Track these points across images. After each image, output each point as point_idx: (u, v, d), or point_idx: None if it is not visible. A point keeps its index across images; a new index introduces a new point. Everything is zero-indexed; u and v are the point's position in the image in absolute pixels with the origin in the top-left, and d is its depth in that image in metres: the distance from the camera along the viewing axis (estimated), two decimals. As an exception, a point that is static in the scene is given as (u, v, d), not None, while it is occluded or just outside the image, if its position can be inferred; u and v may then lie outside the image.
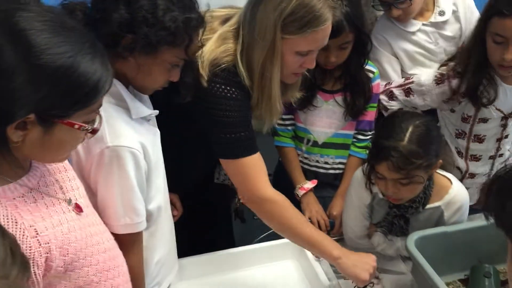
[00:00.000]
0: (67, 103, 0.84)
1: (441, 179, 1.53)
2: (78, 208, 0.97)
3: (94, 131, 0.91)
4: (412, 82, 1.74)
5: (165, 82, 1.18)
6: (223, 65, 1.31)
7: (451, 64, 1.65)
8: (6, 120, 0.80)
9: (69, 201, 0.96)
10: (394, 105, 1.78)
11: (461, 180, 1.76)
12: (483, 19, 1.49)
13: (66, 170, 1.01)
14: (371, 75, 1.77)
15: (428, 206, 1.51)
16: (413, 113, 1.51)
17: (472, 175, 1.76)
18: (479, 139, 1.70)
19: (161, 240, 1.30)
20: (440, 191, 1.51)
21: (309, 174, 1.83)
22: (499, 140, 1.71)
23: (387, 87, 1.80)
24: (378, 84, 1.79)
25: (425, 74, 1.73)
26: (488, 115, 1.64)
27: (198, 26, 1.13)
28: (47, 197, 0.92)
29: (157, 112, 1.25)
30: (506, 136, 1.70)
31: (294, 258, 1.58)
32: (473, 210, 1.63)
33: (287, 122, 1.82)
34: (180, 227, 1.45)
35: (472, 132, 1.69)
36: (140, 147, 1.12)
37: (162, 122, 1.28)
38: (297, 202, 1.79)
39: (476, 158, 1.76)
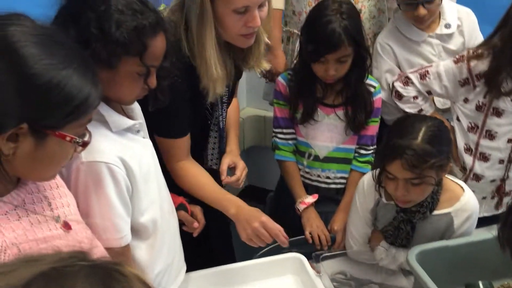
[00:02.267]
0: (59, 115, 0.84)
1: (452, 185, 1.53)
2: (66, 226, 0.97)
3: (84, 144, 0.92)
4: (429, 66, 1.75)
5: (143, 90, 1.17)
6: None
7: (472, 47, 1.65)
8: None
9: (57, 218, 0.96)
10: (410, 91, 1.79)
11: (464, 181, 1.74)
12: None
13: (58, 186, 1.01)
14: (372, 89, 1.77)
15: (437, 212, 1.50)
16: (425, 116, 1.58)
17: (477, 177, 1.75)
18: (491, 136, 1.69)
19: (161, 252, 1.30)
20: (451, 197, 1.51)
21: (310, 189, 1.82)
22: (511, 141, 1.69)
23: (402, 74, 1.82)
24: (380, 99, 1.78)
25: (445, 62, 1.74)
26: (503, 106, 1.63)
27: (155, 30, 1.11)
28: (32, 214, 0.92)
29: (140, 121, 1.25)
30: None
31: (295, 274, 1.56)
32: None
33: (288, 136, 1.82)
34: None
35: (485, 126, 1.68)
36: (119, 162, 1.11)
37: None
38: (298, 217, 1.78)
39: (484, 158, 1.75)
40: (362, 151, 1.81)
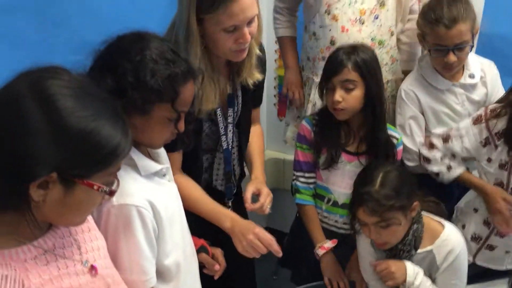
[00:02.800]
0: (88, 164, 0.88)
1: (432, 223, 1.61)
2: (94, 270, 0.99)
3: (111, 193, 0.95)
4: (450, 129, 1.78)
5: (172, 135, 1.23)
6: None
7: (490, 106, 1.67)
8: (30, 178, 0.84)
9: (85, 262, 0.99)
10: (436, 154, 1.81)
11: (488, 236, 1.72)
12: None
13: (89, 230, 1.04)
14: (395, 141, 1.78)
15: (420, 250, 1.57)
16: (385, 162, 1.64)
17: (502, 233, 1.73)
18: None
19: None
20: (432, 235, 1.58)
21: (328, 234, 1.83)
22: None
23: (427, 139, 1.85)
24: (401, 151, 1.81)
25: (464, 123, 1.76)
26: None
27: (186, 78, 1.17)
28: (61, 259, 0.94)
29: (167, 165, 1.29)
30: None
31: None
32: (495, 273, 1.60)
33: (310, 180, 1.83)
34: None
35: (510, 183, 1.68)
36: (147, 205, 1.15)
37: None
38: (316, 261, 1.78)
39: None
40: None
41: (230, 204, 1.71)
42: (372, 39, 1.95)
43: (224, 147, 1.66)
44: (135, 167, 1.19)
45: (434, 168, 1.82)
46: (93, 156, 0.88)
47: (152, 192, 1.19)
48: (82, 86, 0.91)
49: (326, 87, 1.69)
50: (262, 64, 1.63)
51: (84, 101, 0.89)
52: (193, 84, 1.21)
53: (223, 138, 1.64)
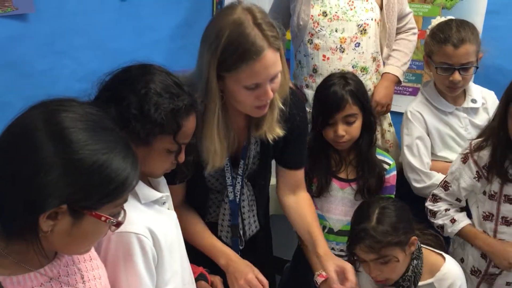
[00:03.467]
0: (97, 196, 0.91)
1: (433, 256, 1.61)
2: None
3: (118, 224, 0.97)
4: (446, 176, 1.79)
5: (172, 165, 1.25)
6: None
7: (474, 141, 1.71)
8: (40, 209, 0.86)
9: None
10: (440, 205, 1.81)
11: (486, 269, 1.73)
12: (504, 101, 1.56)
13: (91, 259, 1.07)
14: (386, 166, 1.83)
15: (421, 283, 1.56)
16: (380, 198, 1.65)
17: None
18: (507, 222, 1.69)
19: None
20: (432, 268, 1.58)
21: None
22: None
23: (431, 194, 1.85)
24: (394, 176, 1.84)
25: (455, 165, 1.77)
26: None
27: (188, 112, 1.20)
28: (65, 286, 0.97)
29: (167, 193, 1.31)
30: None
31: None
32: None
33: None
34: None
35: (500, 213, 1.69)
36: (147, 233, 1.17)
37: None
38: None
39: None
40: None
41: None
42: (353, 66, 2.03)
43: (230, 199, 1.60)
44: (135, 195, 1.21)
45: (439, 221, 1.81)
46: (102, 189, 0.90)
47: (152, 220, 1.21)
48: (95, 119, 0.94)
49: (327, 122, 1.72)
50: (285, 120, 1.50)
51: (96, 134, 0.91)
52: (195, 117, 1.24)
53: (230, 189, 1.59)
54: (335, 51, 2.00)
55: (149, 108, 1.14)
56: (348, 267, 1.50)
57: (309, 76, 2.07)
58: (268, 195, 1.79)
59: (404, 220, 1.54)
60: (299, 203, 1.67)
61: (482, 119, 1.93)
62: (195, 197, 1.60)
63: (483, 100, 1.95)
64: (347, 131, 1.71)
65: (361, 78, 1.93)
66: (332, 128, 1.72)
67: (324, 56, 2.01)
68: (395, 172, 1.85)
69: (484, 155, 1.65)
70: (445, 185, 1.77)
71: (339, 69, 1.98)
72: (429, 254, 1.60)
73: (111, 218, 0.94)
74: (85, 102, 1.00)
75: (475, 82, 2.06)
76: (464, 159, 1.71)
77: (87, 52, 1.79)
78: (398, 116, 2.14)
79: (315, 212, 1.68)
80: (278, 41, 1.32)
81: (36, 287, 0.91)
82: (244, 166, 1.58)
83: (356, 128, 1.73)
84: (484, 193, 1.71)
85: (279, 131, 1.49)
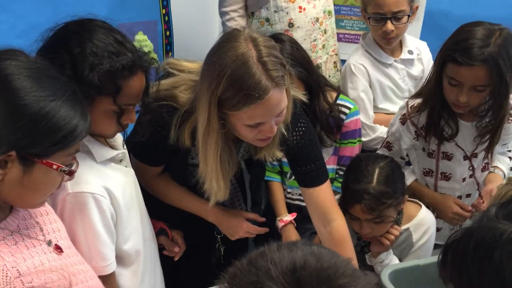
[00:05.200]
0: (47, 143, 0.88)
1: (409, 204, 1.62)
2: (58, 249, 1.00)
3: (70, 173, 0.95)
4: (387, 137, 1.80)
5: (123, 126, 1.18)
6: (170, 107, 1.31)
7: (410, 102, 1.71)
8: None
9: (49, 242, 0.99)
10: None
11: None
12: (440, 62, 1.55)
13: (47, 213, 1.04)
14: (347, 110, 1.83)
15: None
16: (376, 155, 1.63)
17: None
18: (446, 177, 1.74)
19: (144, 278, 1.32)
20: (409, 214, 1.61)
21: (292, 208, 1.86)
22: (464, 180, 1.74)
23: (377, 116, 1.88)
24: (357, 120, 1.85)
25: (395, 125, 1.77)
26: (450, 150, 1.69)
27: (131, 71, 1.11)
28: (27, 239, 0.95)
29: (123, 150, 1.27)
30: (471, 176, 1.74)
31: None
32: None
33: (271, 159, 1.86)
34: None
35: (439, 170, 1.74)
36: (104, 191, 1.14)
37: None
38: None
39: None
40: (342, 172, 1.86)
41: (219, 238, 1.62)
42: (323, 12, 2.01)
43: None
44: (90, 154, 1.17)
45: None
46: (51, 136, 0.88)
47: (108, 179, 1.17)
48: (41, 68, 0.91)
49: None
50: (285, 143, 1.42)
51: (42, 82, 0.88)
52: (142, 76, 1.15)
53: None
54: (310, 0, 1.98)
55: (83, 69, 1.06)
56: None
57: (284, 31, 2.00)
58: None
59: (401, 180, 1.55)
60: (330, 243, 1.46)
61: (418, 70, 1.97)
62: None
63: (418, 51, 1.98)
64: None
65: (328, 22, 1.98)
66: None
67: (300, 7, 1.96)
68: (357, 116, 1.85)
69: (422, 116, 1.66)
70: (387, 146, 1.79)
71: (314, 17, 1.96)
72: (407, 202, 1.62)
73: (63, 166, 0.92)
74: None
75: (423, 29, 2.10)
76: (403, 120, 1.72)
77: (25, 5, 1.68)
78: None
79: (351, 248, 1.49)
80: (284, 80, 1.22)
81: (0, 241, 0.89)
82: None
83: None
84: (424, 149, 1.73)
85: (279, 154, 1.42)
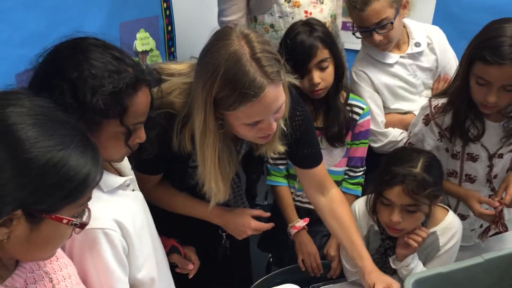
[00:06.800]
0: (56, 198, 0.81)
1: (436, 208, 1.59)
2: None
3: (82, 226, 0.88)
4: (409, 138, 1.75)
5: (133, 146, 1.12)
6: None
7: (433, 101, 1.66)
8: None
9: None
10: None
11: None
12: (467, 60, 1.49)
13: (57, 258, 0.98)
14: (360, 111, 1.79)
15: None
16: (420, 149, 1.62)
17: (462, 216, 1.75)
18: (470, 179, 1.70)
19: None
20: (436, 218, 1.57)
21: (302, 212, 1.83)
22: (489, 181, 1.70)
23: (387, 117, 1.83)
24: (369, 121, 1.80)
25: (417, 126, 1.73)
26: (476, 151, 1.64)
27: (134, 88, 1.05)
28: None
29: (131, 177, 1.21)
30: (495, 177, 1.69)
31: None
32: (466, 249, 1.66)
33: (278, 162, 1.82)
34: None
35: (463, 171, 1.69)
36: (114, 225, 1.09)
37: None
38: (291, 241, 1.78)
39: None
40: (351, 173, 1.83)
41: (224, 236, 1.61)
42: (330, 16, 1.97)
43: None
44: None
45: None
46: (60, 189, 0.81)
47: (117, 209, 1.12)
48: (45, 112, 0.84)
49: (299, 73, 1.62)
50: (286, 135, 1.40)
51: (48, 130, 0.82)
52: (147, 91, 1.09)
53: None
54: (316, 4, 1.93)
55: (85, 94, 0.98)
56: (396, 286, 1.44)
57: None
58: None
59: (440, 175, 1.54)
60: (332, 206, 1.55)
61: (430, 60, 1.89)
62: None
63: (428, 40, 1.89)
64: (322, 77, 1.66)
65: (333, 26, 1.92)
66: (307, 77, 1.64)
67: (306, 12, 1.92)
68: (369, 117, 1.81)
69: (446, 117, 1.61)
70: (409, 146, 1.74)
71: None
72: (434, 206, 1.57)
73: (74, 219, 0.85)
74: (32, 94, 0.88)
75: (435, 17, 2.02)
76: (426, 121, 1.67)
77: (20, 13, 1.60)
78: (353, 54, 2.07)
79: (350, 213, 1.57)
80: (280, 75, 1.20)
81: None
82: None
83: (330, 73, 1.67)
84: (447, 150, 1.69)
85: (280, 148, 1.40)
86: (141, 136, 1.12)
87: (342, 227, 1.52)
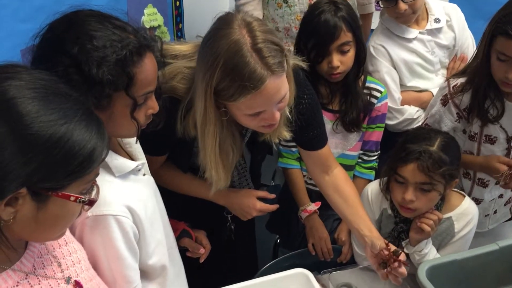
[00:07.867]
0: (61, 175, 0.78)
1: (452, 193, 1.56)
2: (78, 286, 0.92)
3: (91, 203, 0.85)
4: (426, 119, 1.72)
5: (147, 117, 1.07)
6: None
7: (452, 81, 1.62)
8: None
9: (67, 279, 0.90)
10: None
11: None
12: (488, 36, 1.45)
13: (66, 243, 0.95)
14: (378, 94, 1.75)
15: None
16: (439, 130, 1.60)
17: (477, 201, 1.72)
18: None
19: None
20: (452, 203, 1.55)
21: (314, 195, 1.80)
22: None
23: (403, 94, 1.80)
24: (386, 104, 1.76)
25: (435, 107, 1.69)
26: (494, 132, 1.60)
27: (140, 54, 0.99)
28: (44, 279, 0.86)
29: (143, 161, 1.18)
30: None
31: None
32: (479, 235, 1.62)
33: (290, 144, 1.77)
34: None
35: (480, 153, 1.65)
36: (126, 211, 1.04)
37: None
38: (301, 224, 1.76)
39: (483, 184, 1.72)
40: (366, 157, 1.80)
41: (229, 218, 1.59)
42: None
43: None
44: (107, 168, 1.06)
45: None
46: (66, 165, 0.77)
47: (129, 195, 1.07)
48: (46, 85, 0.79)
49: (319, 54, 1.60)
50: (291, 121, 1.38)
51: (50, 103, 0.77)
52: (152, 56, 1.02)
53: None
54: None
55: (90, 68, 0.93)
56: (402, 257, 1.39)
57: (302, 14, 1.89)
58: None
59: (457, 157, 1.51)
60: (336, 182, 1.53)
61: (448, 38, 1.86)
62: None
63: (447, 17, 1.85)
64: (342, 61, 1.60)
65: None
66: (326, 59, 1.59)
67: None
68: (386, 100, 1.77)
69: (465, 97, 1.57)
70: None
71: None
72: (450, 191, 1.55)
73: (82, 196, 0.81)
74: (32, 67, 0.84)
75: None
76: (444, 101, 1.63)
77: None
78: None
79: (356, 190, 1.55)
80: (283, 66, 1.16)
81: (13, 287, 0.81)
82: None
83: (350, 57, 1.62)
84: (464, 131, 1.66)
85: (286, 134, 1.38)
86: (153, 106, 1.07)
87: (347, 203, 1.50)
